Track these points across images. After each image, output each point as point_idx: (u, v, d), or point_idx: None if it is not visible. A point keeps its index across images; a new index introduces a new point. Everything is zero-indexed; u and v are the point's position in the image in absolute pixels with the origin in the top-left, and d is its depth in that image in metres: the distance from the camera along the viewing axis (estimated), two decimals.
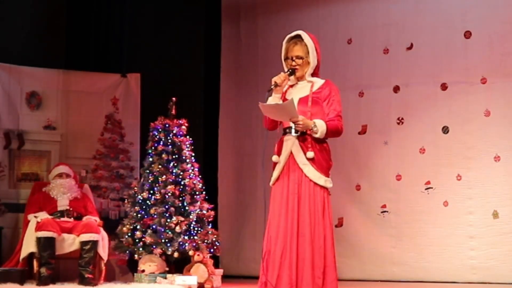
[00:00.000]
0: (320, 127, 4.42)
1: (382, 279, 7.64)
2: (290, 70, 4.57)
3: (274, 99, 4.56)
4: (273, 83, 4.52)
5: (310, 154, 4.44)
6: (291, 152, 4.49)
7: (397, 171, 7.75)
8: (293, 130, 4.47)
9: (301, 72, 4.59)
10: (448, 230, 7.38)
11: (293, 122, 4.43)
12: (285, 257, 4.39)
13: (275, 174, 4.56)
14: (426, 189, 7.56)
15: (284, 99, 4.58)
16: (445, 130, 7.54)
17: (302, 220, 4.42)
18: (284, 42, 4.62)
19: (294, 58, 4.56)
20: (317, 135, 4.43)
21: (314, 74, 4.60)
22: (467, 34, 7.46)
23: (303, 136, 4.47)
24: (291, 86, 4.65)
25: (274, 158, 4.56)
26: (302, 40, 4.58)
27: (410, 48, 7.78)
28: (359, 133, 8.01)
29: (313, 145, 4.46)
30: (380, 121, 7.90)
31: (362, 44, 8.08)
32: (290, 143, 4.49)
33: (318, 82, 4.58)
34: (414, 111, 7.72)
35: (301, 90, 4.58)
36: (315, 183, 4.45)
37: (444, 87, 7.58)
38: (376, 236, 7.75)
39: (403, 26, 7.83)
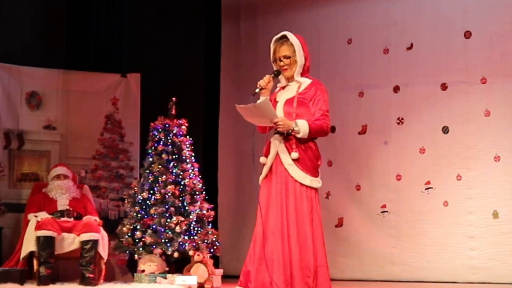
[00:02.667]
0: (301, 127, 4.43)
1: (382, 279, 7.64)
2: (275, 72, 4.61)
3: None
4: (258, 86, 4.55)
5: (294, 155, 4.46)
6: (277, 153, 4.51)
7: (397, 171, 7.75)
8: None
9: (291, 72, 4.61)
10: (448, 230, 7.37)
11: (273, 123, 4.46)
12: (275, 257, 4.39)
13: (263, 174, 4.58)
14: (426, 189, 7.55)
15: (275, 101, 4.61)
16: (445, 130, 7.54)
17: (289, 220, 4.43)
18: (271, 44, 4.66)
19: (282, 58, 4.61)
20: (299, 135, 4.44)
21: (303, 74, 4.62)
22: (467, 34, 7.46)
23: (288, 137, 4.48)
24: (283, 87, 4.68)
25: (262, 159, 4.60)
26: (288, 40, 4.62)
27: (410, 48, 7.78)
28: (359, 133, 8.01)
29: (297, 146, 4.47)
30: (380, 121, 7.89)
31: (362, 44, 8.07)
32: (277, 144, 4.52)
33: (305, 82, 4.60)
34: (414, 111, 7.72)
35: (289, 91, 4.62)
36: (301, 184, 4.46)
37: (444, 87, 7.57)
38: (376, 236, 7.75)
39: (403, 26, 7.83)
